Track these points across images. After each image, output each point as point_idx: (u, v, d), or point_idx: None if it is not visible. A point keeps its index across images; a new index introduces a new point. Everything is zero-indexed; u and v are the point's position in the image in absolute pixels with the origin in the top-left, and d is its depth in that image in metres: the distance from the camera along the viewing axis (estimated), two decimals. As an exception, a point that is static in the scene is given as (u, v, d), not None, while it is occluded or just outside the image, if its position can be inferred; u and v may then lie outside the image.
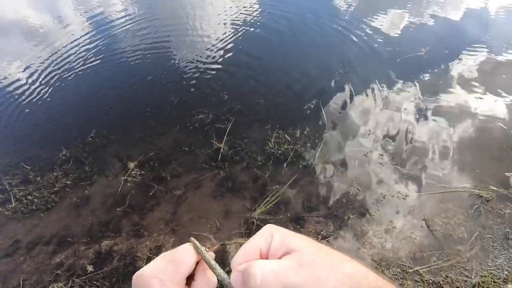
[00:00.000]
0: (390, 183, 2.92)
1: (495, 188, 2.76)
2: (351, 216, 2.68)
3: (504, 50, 4.30)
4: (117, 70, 4.62)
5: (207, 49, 4.77)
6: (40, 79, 4.55)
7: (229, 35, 5.04)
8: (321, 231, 2.59)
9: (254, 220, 2.68)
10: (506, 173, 2.88)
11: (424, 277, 2.26)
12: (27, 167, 3.31)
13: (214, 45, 4.86)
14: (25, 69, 4.81)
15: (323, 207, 2.75)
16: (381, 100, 3.72)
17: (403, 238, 2.53)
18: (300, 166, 3.08)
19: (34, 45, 5.43)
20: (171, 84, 4.22)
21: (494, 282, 2.18)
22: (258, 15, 5.53)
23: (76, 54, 5.01)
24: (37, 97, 4.25)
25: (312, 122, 3.48)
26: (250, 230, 2.63)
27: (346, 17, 5.32)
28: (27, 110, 4.06)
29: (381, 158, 3.10)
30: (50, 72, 4.66)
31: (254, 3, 5.92)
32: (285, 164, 3.10)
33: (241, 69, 4.36)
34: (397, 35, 4.81)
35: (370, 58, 4.38)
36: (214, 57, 4.61)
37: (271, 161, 3.15)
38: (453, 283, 2.21)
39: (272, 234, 0.46)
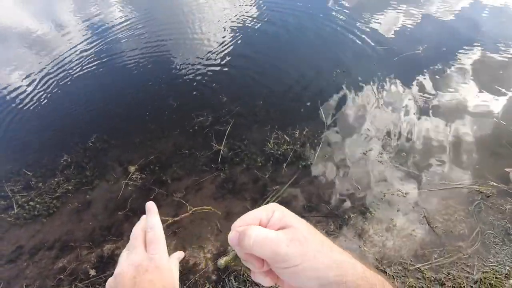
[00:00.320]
0: (390, 181, 2.92)
1: (495, 184, 2.77)
2: (352, 215, 2.68)
3: (501, 48, 4.31)
4: (115, 75, 4.65)
5: (204, 52, 4.80)
6: (39, 85, 4.58)
7: (227, 37, 5.06)
8: (322, 230, 2.59)
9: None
10: (506, 169, 2.88)
11: (425, 274, 2.26)
12: (28, 173, 3.34)
13: (211, 48, 4.89)
14: (23, 76, 4.85)
15: (324, 207, 2.76)
16: (379, 98, 3.73)
17: (404, 236, 2.53)
18: (300, 166, 3.09)
19: (32, 52, 5.48)
20: (170, 87, 4.24)
21: (496, 278, 2.18)
22: (256, 17, 5.56)
23: (74, 60, 5.05)
24: (37, 103, 4.28)
25: (311, 122, 3.50)
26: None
27: (342, 17, 5.33)
28: (27, 117, 4.09)
29: (381, 157, 3.11)
30: (49, 78, 4.69)
31: (251, 6, 5.95)
32: (284, 164, 3.11)
33: (239, 71, 4.38)
34: (394, 34, 4.82)
35: (367, 57, 4.40)
36: (212, 59, 4.63)
37: (271, 161, 3.16)
38: (455, 279, 2.21)
39: (273, 210, 0.48)
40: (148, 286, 0.57)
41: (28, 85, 4.62)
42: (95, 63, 4.91)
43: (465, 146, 3.14)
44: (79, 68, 4.83)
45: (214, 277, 2.41)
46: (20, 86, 4.64)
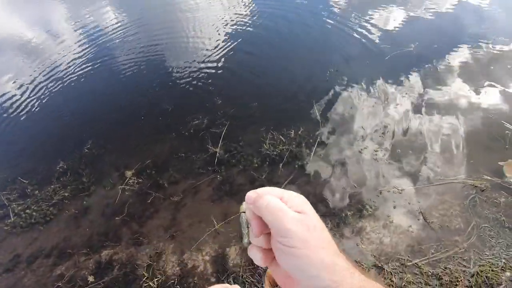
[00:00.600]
0: (385, 179, 2.94)
1: (489, 178, 2.79)
2: (349, 213, 2.70)
3: (491, 43, 4.36)
4: (109, 80, 4.65)
5: (198, 55, 4.81)
6: (32, 92, 4.58)
7: (220, 40, 5.08)
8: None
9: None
10: (499, 162, 2.91)
11: (423, 269, 2.27)
12: (24, 181, 3.33)
13: (205, 51, 4.90)
14: (16, 83, 4.85)
15: (321, 206, 2.77)
16: (373, 96, 3.76)
17: (401, 232, 2.55)
18: (296, 166, 3.10)
19: (24, 58, 5.48)
20: (165, 91, 4.25)
21: (492, 270, 2.20)
22: (248, 20, 5.59)
23: (67, 66, 5.05)
24: (31, 111, 4.28)
25: (306, 122, 3.52)
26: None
27: (335, 17, 5.38)
28: (21, 124, 4.09)
29: (376, 154, 3.13)
30: (42, 85, 4.69)
31: (243, 9, 5.98)
32: (281, 165, 3.12)
33: (233, 74, 4.40)
34: (386, 32, 4.86)
35: (359, 56, 4.44)
36: (205, 62, 4.65)
37: (267, 162, 3.17)
38: (452, 274, 2.23)
39: (298, 196, 0.49)
40: None
41: (21, 93, 4.62)
42: (89, 68, 4.92)
43: (458, 142, 3.17)
44: (72, 74, 4.83)
45: (213, 279, 2.41)
46: (12, 94, 4.64)
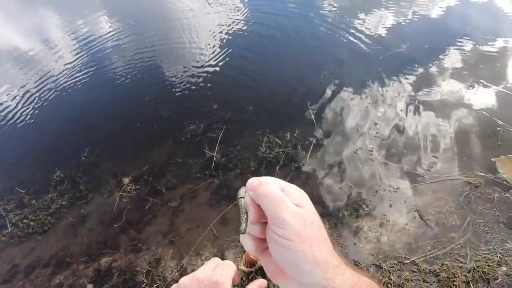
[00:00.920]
0: (381, 178, 2.97)
1: (482, 174, 2.83)
2: (346, 213, 2.72)
3: (481, 42, 4.44)
4: (105, 87, 4.67)
5: (193, 61, 4.85)
6: (27, 101, 4.59)
7: (214, 45, 5.13)
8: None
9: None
10: (492, 159, 2.96)
11: (420, 266, 2.30)
12: (21, 191, 3.32)
13: (199, 56, 4.94)
14: (11, 92, 4.84)
15: (317, 206, 2.79)
16: (367, 97, 3.81)
17: (397, 230, 2.57)
18: (292, 168, 3.13)
19: (18, 67, 5.49)
20: (160, 97, 4.27)
21: (488, 265, 2.22)
22: (242, 24, 5.65)
23: (62, 73, 5.06)
24: (26, 120, 4.28)
25: (301, 124, 3.55)
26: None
27: (327, 21, 5.46)
28: (16, 134, 4.09)
29: (371, 154, 3.16)
30: (37, 94, 4.70)
31: (238, 13, 6.05)
32: (277, 167, 3.15)
33: (229, 78, 4.44)
34: (378, 34, 4.94)
35: (352, 57, 4.50)
36: (200, 68, 4.68)
37: (264, 165, 3.20)
38: (449, 270, 2.25)
39: (299, 190, 0.50)
40: None
41: (16, 102, 4.61)
42: (83, 76, 4.94)
43: (451, 139, 3.22)
44: (67, 82, 4.85)
45: (212, 284, 2.40)
46: (8, 104, 4.63)
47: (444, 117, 3.45)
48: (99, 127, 3.98)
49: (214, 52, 4.98)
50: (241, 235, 0.51)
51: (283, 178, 3.05)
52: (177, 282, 0.59)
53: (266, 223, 0.48)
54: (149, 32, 5.85)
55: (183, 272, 2.50)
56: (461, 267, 2.27)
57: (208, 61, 4.80)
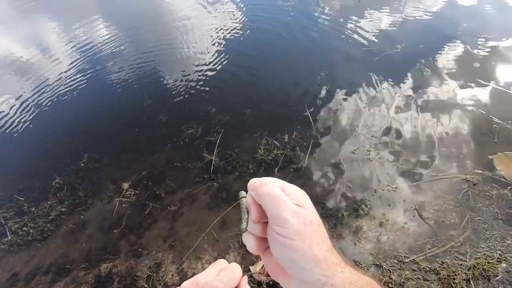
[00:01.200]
0: (380, 177, 2.98)
1: (480, 172, 2.85)
2: (345, 213, 2.72)
3: (475, 41, 4.48)
4: (103, 93, 4.68)
5: (190, 65, 4.87)
6: (25, 109, 4.57)
7: (211, 49, 5.16)
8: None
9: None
10: (489, 156, 2.98)
11: (420, 265, 2.30)
12: (20, 198, 3.31)
13: (197, 60, 4.97)
14: (8, 99, 4.84)
15: (317, 207, 2.75)
16: (364, 97, 3.84)
17: (397, 230, 2.58)
18: (291, 169, 3.14)
19: (15, 75, 5.48)
20: (158, 102, 4.28)
21: (488, 262, 2.23)
22: (238, 28, 5.68)
23: (60, 79, 5.05)
24: (24, 127, 4.26)
25: (299, 126, 3.57)
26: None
27: (323, 23, 5.50)
28: (14, 141, 4.08)
29: (369, 154, 3.18)
30: (34, 101, 4.68)
31: (234, 17, 6.09)
32: (276, 169, 3.16)
33: (227, 81, 4.46)
34: (374, 35, 4.98)
35: (349, 59, 4.53)
36: (198, 72, 4.70)
37: (263, 167, 3.21)
38: (449, 268, 2.25)
39: (300, 191, 0.51)
40: None
41: (14, 109, 4.61)
42: (81, 82, 4.93)
43: (449, 138, 3.24)
44: (64, 89, 4.84)
45: (213, 287, 2.40)
46: (6, 112, 4.63)
47: (440, 116, 3.48)
48: (97, 133, 3.99)
49: (211, 56, 5.00)
50: (243, 235, 0.53)
51: (282, 180, 3.05)
52: (179, 286, 0.58)
53: (267, 222, 0.49)
54: (146, 38, 5.88)
55: (183, 277, 2.50)
56: (461, 264, 2.27)
57: (206, 65, 4.82)
